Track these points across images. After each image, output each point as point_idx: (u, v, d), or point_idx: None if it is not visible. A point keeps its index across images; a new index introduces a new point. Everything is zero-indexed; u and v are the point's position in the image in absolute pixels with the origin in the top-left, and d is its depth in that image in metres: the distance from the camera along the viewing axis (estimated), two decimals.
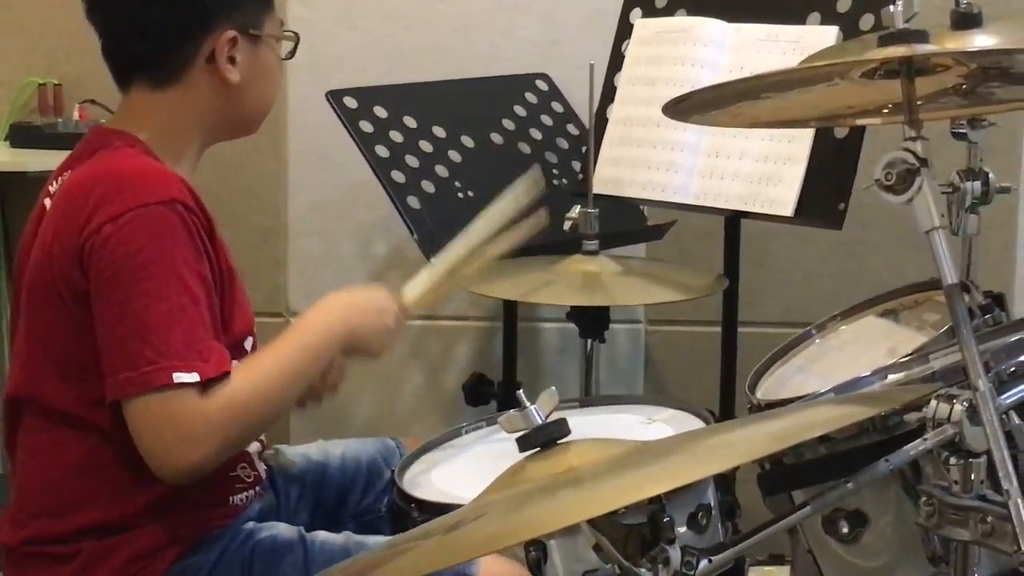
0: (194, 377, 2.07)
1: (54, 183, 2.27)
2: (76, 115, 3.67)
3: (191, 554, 2.23)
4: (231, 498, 2.30)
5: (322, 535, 2.28)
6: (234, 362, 2.17)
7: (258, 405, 2.17)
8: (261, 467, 2.39)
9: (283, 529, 2.30)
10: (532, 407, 1.68)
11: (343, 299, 2.31)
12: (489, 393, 3.31)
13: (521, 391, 1.72)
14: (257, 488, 2.36)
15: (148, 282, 2.09)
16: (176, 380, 2.06)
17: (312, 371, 2.27)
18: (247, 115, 2.34)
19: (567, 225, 2.88)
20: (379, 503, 2.51)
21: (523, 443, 1.68)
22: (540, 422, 1.68)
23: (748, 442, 1.71)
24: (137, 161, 2.20)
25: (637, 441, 1.79)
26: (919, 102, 1.85)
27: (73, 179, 2.22)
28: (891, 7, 1.84)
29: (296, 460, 2.55)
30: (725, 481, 2.33)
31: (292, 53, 2.40)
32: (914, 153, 1.77)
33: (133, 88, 2.28)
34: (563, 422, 1.68)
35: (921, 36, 1.80)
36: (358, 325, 2.30)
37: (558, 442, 1.67)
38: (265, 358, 2.22)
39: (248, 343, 2.30)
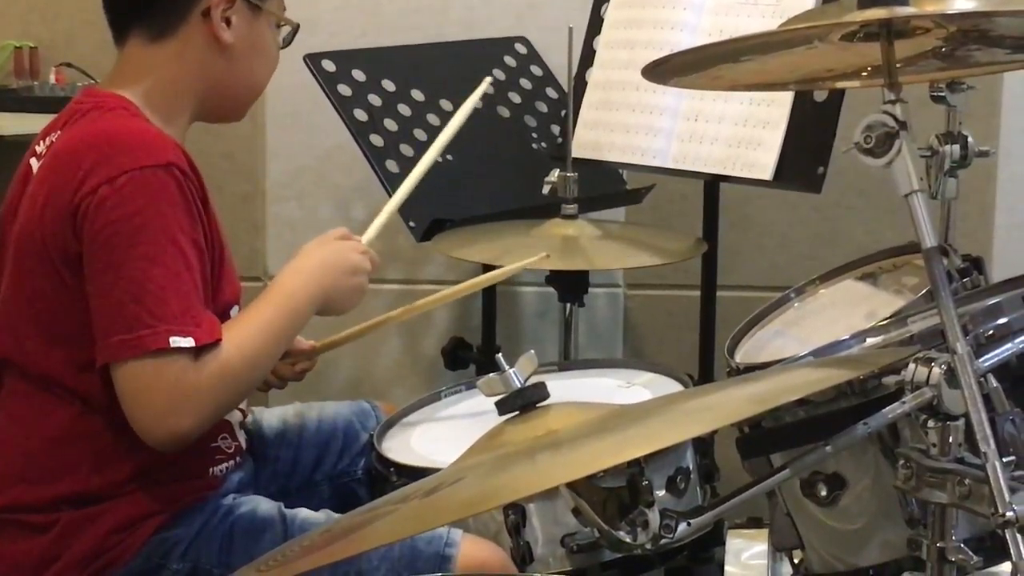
0: (189, 342, 2.07)
1: (41, 144, 2.26)
2: (52, 78, 3.64)
3: (170, 527, 2.22)
4: (211, 469, 2.30)
5: (303, 512, 2.29)
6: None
7: (246, 370, 2.17)
8: (242, 437, 2.39)
9: (263, 505, 2.30)
10: (511, 371, 1.69)
11: (317, 258, 2.32)
12: (468, 357, 3.31)
13: (500, 355, 1.72)
14: (237, 459, 2.36)
15: (144, 246, 2.08)
16: (172, 344, 2.06)
17: (292, 333, 2.29)
18: (236, 88, 2.34)
19: (546, 189, 2.88)
20: (355, 467, 2.52)
21: (502, 407, 1.69)
22: (519, 386, 1.68)
23: (726, 405, 1.71)
24: (132, 124, 2.20)
25: (616, 405, 1.80)
26: (898, 65, 1.84)
27: (66, 140, 2.20)
28: None
29: (272, 423, 2.55)
30: (704, 445, 2.34)
31: (289, 41, 2.40)
32: (893, 116, 1.77)
33: (129, 41, 2.27)
34: (542, 386, 1.69)
35: None
36: (331, 286, 2.31)
37: (537, 406, 1.68)
38: (249, 322, 2.22)
39: (234, 311, 2.30)
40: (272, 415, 2.57)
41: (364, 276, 2.35)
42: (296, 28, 2.39)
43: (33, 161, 2.24)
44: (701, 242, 2.89)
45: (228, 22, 2.26)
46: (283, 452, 2.53)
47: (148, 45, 2.26)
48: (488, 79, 2.47)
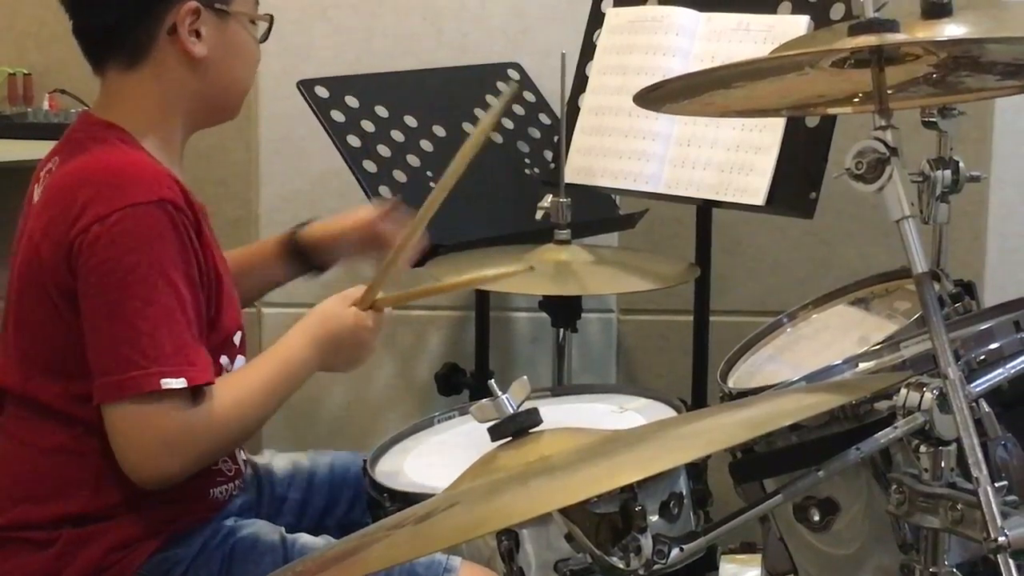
0: (182, 383, 2.08)
1: (42, 172, 2.26)
2: (46, 105, 3.66)
3: (171, 547, 2.22)
4: (211, 491, 2.30)
5: (304, 537, 2.29)
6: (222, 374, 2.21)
7: (237, 420, 2.18)
8: (242, 460, 2.39)
9: (264, 528, 2.30)
10: (504, 396, 1.69)
11: (328, 329, 2.30)
12: (462, 382, 3.31)
13: (493, 380, 1.72)
14: (237, 482, 2.36)
15: (137, 285, 2.08)
16: (164, 386, 2.07)
17: (287, 394, 2.28)
18: (222, 94, 2.32)
19: (539, 214, 2.88)
20: (365, 517, 2.50)
21: (495, 432, 1.69)
22: (512, 411, 1.68)
23: (719, 431, 1.71)
24: (127, 157, 2.19)
25: (608, 430, 1.79)
26: (889, 91, 1.85)
27: (63, 173, 2.20)
28: None
29: (283, 464, 2.56)
30: (697, 470, 2.33)
31: (266, 35, 2.37)
32: (884, 142, 1.77)
33: (108, 71, 2.26)
34: (535, 411, 1.69)
35: (891, 25, 1.80)
36: (334, 360, 2.31)
37: (530, 431, 1.68)
38: (250, 375, 2.24)
39: (237, 337, 2.30)
40: (283, 458, 2.58)
41: (369, 351, 2.35)
42: (271, 21, 2.37)
43: (36, 188, 2.25)
44: (694, 267, 2.90)
45: (198, 34, 2.24)
46: (292, 493, 2.52)
47: (126, 72, 2.25)
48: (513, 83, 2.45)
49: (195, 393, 2.11)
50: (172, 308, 2.09)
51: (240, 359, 2.33)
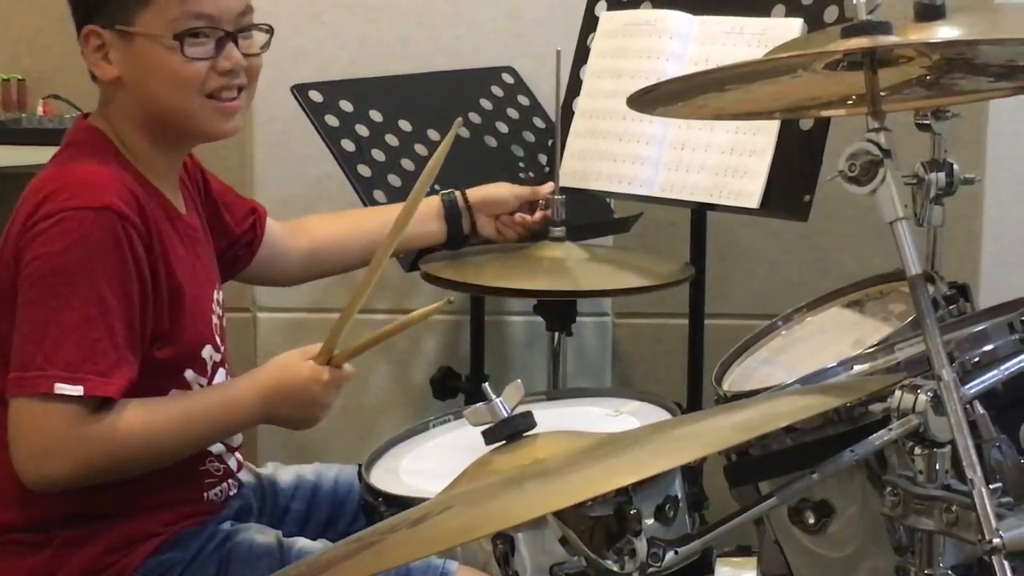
0: (78, 390, 2.06)
1: None
2: (40, 110, 3.65)
3: (167, 550, 2.23)
4: (205, 494, 2.31)
5: (300, 541, 2.29)
6: (175, 392, 2.22)
7: (143, 441, 2.15)
8: (232, 461, 2.38)
9: (261, 532, 2.30)
10: (498, 400, 1.69)
11: (278, 380, 2.24)
12: (457, 386, 3.31)
13: (488, 384, 1.72)
14: (230, 481, 2.37)
15: (59, 287, 2.09)
16: (56, 390, 2.06)
17: (216, 434, 2.28)
18: (161, 115, 2.25)
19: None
20: None
21: (489, 436, 1.69)
22: (506, 415, 1.68)
23: (713, 433, 1.72)
24: (86, 164, 2.19)
25: (603, 433, 1.79)
26: (883, 93, 1.85)
27: (38, 177, 2.21)
28: None
29: (287, 477, 2.56)
30: (692, 473, 2.33)
31: (266, 46, 2.34)
32: (877, 144, 1.78)
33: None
34: (529, 415, 1.69)
35: (884, 27, 1.80)
36: (279, 414, 2.26)
37: (524, 435, 1.68)
38: (178, 403, 2.22)
39: (207, 351, 2.29)
40: (288, 471, 2.57)
41: (322, 409, 2.28)
42: (192, 31, 2.20)
43: None
44: (688, 266, 2.89)
45: (107, 57, 2.21)
46: (295, 504, 2.52)
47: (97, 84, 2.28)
48: (459, 120, 2.42)
49: (100, 403, 2.10)
50: (91, 316, 2.08)
51: (221, 374, 2.34)
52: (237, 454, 2.40)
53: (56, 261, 2.09)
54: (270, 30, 2.34)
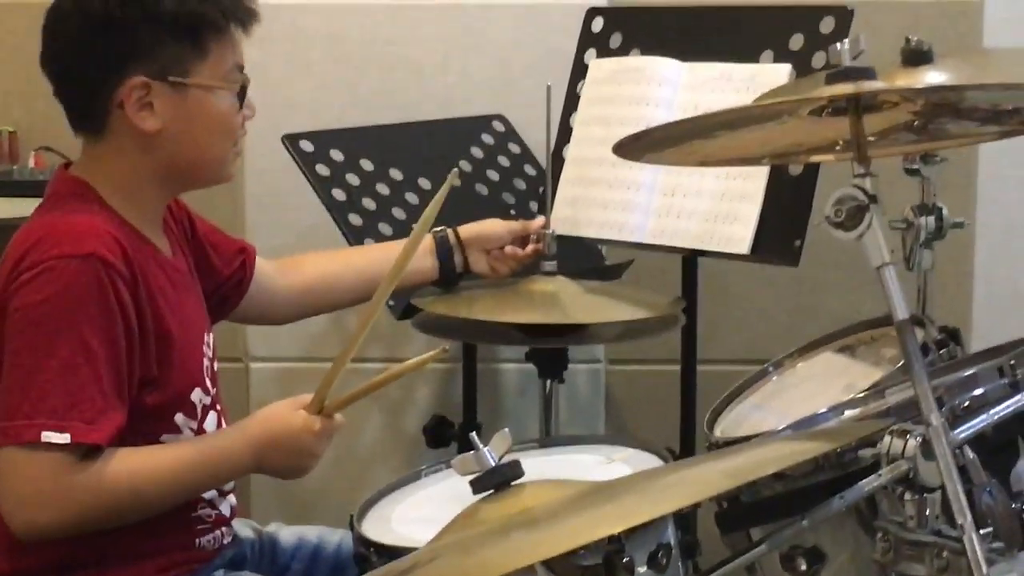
0: (65, 438, 2.06)
1: None
2: (31, 162, 3.65)
3: None
4: (197, 540, 2.30)
5: None
6: (166, 437, 2.21)
7: (127, 497, 2.15)
8: (225, 507, 2.37)
9: None
10: (485, 449, 1.68)
11: (268, 432, 2.24)
12: (449, 435, 3.30)
13: (475, 433, 1.72)
14: (224, 529, 2.36)
15: (43, 335, 2.09)
16: (43, 439, 2.06)
17: (203, 484, 2.27)
18: (191, 164, 2.29)
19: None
20: None
21: (477, 485, 1.68)
22: (493, 464, 1.68)
23: (701, 480, 1.71)
24: (70, 215, 2.19)
25: (591, 481, 1.79)
26: (871, 138, 1.86)
27: (21, 229, 2.22)
28: (838, 45, 1.85)
29: (289, 537, 2.55)
30: (685, 520, 2.33)
31: (241, 99, 2.32)
32: (863, 190, 1.78)
33: (80, 137, 2.29)
34: (516, 464, 1.69)
35: (868, 73, 1.81)
36: (269, 463, 2.25)
37: (511, 484, 1.67)
38: (165, 452, 2.21)
39: (196, 395, 2.29)
40: (290, 531, 2.57)
41: (312, 459, 2.28)
42: (245, 82, 2.30)
43: None
44: (680, 300, 2.87)
45: (150, 107, 2.21)
46: (295, 564, 2.52)
47: (93, 142, 2.27)
48: (455, 171, 2.44)
49: (86, 451, 2.09)
50: (76, 363, 2.08)
51: (212, 416, 2.33)
52: (231, 497, 2.39)
53: (41, 310, 2.09)
54: None
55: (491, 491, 1.68)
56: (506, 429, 1.71)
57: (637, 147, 2.04)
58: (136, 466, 2.14)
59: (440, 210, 2.30)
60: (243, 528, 2.50)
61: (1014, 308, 3.41)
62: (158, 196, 2.31)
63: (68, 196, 2.25)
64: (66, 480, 2.07)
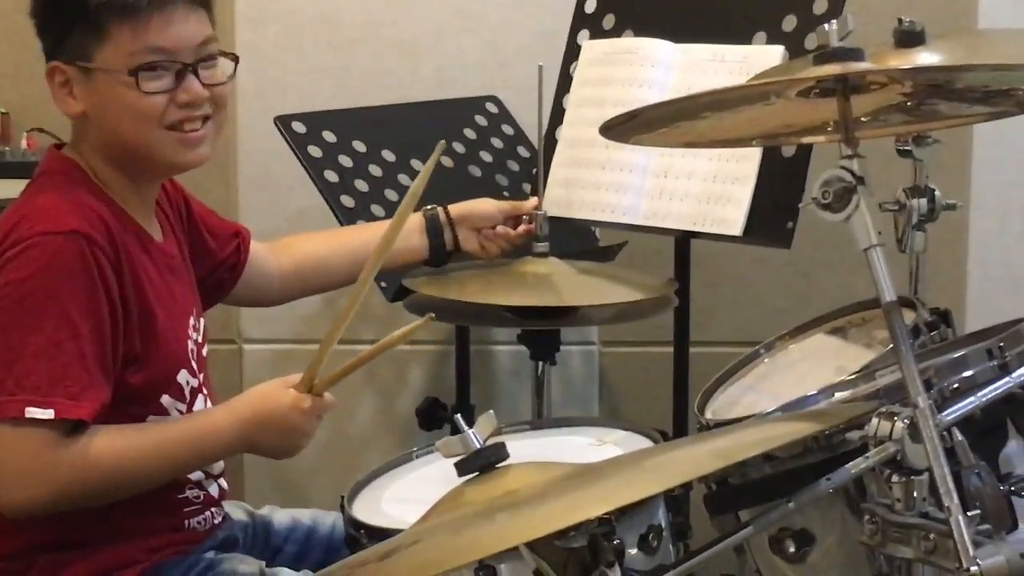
0: (49, 414, 2.06)
1: None
2: (24, 144, 3.66)
3: None
4: (186, 521, 2.31)
5: (284, 572, 2.30)
6: (153, 418, 2.22)
7: (113, 473, 2.14)
8: (213, 488, 2.38)
9: (244, 562, 2.30)
10: (470, 431, 1.68)
11: (256, 410, 2.23)
12: (442, 417, 3.30)
13: (460, 416, 1.72)
14: (213, 510, 2.36)
15: (28, 311, 2.09)
16: (27, 415, 2.06)
17: (192, 463, 2.27)
18: (127, 149, 2.25)
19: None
20: None
21: (461, 468, 1.68)
22: (478, 446, 1.67)
23: (688, 462, 1.71)
24: (55, 193, 2.20)
25: (577, 464, 1.79)
26: (863, 119, 1.85)
27: (9, 208, 2.23)
28: (827, 25, 1.83)
29: (283, 519, 2.55)
30: (676, 502, 2.32)
31: (232, 75, 2.33)
32: (850, 171, 1.77)
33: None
34: (501, 446, 1.69)
35: (856, 54, 1.80)
36: (259, 442, 2.25)
37: (496, 466, 1.67)
38: (151, 430, 2.21)
39: (183, 376, 2.29)
40: (284, 514, 2.58)
41: (303, 437, 2.27)
42: (148, 65, 2.19)
43: None
44: (672, 281, 2.86)
45: (71, 91, 2.21)
46: (288, 546, 2.52)
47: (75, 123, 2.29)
48: (442, 143, 2.42)
49: (71, 427, 2.09)
50: (60, 339, 2.09)
51: (200, 400, 2.33)
52: (220, 481, 2.39)
53: (25, 287, 2.10)
54: (235, 58, 2.32)
55: (476, 473, 1.67)
56: (491, 411, 1.71)
57: (624, 129, 2.03)
58: (121, 442, 2.14)
59: (432, 191, 2.29)
60: (236, 511, 2.50)
61: (1008, 290, 3.40)
62: (128, 177, 2.29)
63: (55, 174, 2.25)
64: (51, 456, 2.07)
